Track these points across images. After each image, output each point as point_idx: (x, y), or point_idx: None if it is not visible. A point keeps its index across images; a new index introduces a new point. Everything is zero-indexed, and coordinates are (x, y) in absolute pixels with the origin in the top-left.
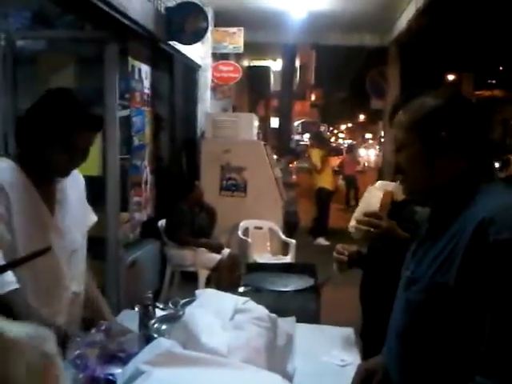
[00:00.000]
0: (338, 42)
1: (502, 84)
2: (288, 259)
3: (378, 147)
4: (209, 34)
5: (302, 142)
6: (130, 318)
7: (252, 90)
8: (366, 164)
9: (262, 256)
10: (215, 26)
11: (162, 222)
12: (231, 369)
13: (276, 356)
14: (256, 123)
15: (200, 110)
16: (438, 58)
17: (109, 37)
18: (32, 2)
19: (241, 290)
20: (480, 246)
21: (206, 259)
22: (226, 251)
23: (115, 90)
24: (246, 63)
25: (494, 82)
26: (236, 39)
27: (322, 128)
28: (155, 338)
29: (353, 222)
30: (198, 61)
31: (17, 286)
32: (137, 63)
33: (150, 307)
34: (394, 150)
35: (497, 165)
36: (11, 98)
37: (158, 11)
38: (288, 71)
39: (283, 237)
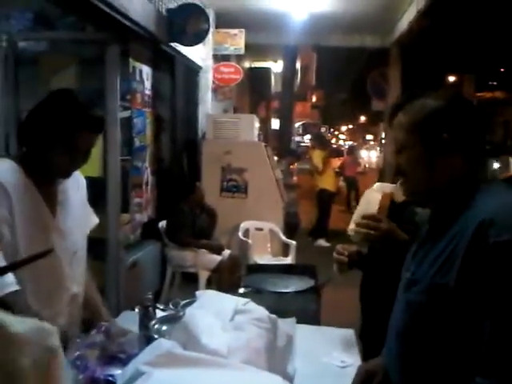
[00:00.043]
0: (339, 43)
1: (503, 85)
2: (288, 260)
3: (378, 148)
4: (210, 36)
5: (302, 144)
6: (130, 319)
7: (253, 91)
8: (367, 165)
9: (263, 257)
10: (216, 28)
11: (162, 223)
12: (231, 370)
13: (276, 357)
14: (257, 124)
15: (201, 112)
16: (439, 60)
17: (110, 38)
18: (34, 3)
19: (241, 291)
20: (480, 247)
21: (206, 260)
22: (227, 252)
23: (116, 92)
24: (247, 65)
25: (495, 83)
26: (237, 41)
27: (323, 129)
28: (155, 339)
29: (352, 225)
30: (199, 62)
31: (17, 287)
32: (138, 64)
33: (151, 308)
34: (395, 151)
35: (497, 165)
36: (13, 99)
37: (159, 12)
38: (289, 72)
39: (284, 238)
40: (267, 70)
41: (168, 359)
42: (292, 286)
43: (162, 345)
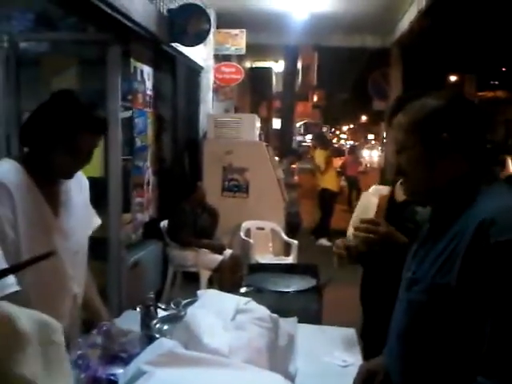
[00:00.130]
0: (340, 43)
1: (504, 85)
2: (290, 260)
3: (380, 148)
4: (211, 36)
5: (304, 143)
6: (131, 319)
7: (254, 91)
8: (368, 165)
9: (264, 257)
10: (217, 28)
11: (164, 223)
12: (233, 369)
13: (277, 356)
14: (258, 124)
15: (202, 111)
16: (441, 60)
17: (111, 39)
18: (35, 4)
19: (243, 290)
20: (481, 247)
21: (208, 260)
22: (228, 252)
23: (117, 92)
24: (248, 64)
25: (496, 83)
26: (238, 41)
27: (324, 129)
28: (157, 339)
29: (350, 229)
30: (200, 62)
31: (17, 288)
32: (139, 65)
33: (152, 308)
34: (395, 151)
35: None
36: (14, 100)
37: (160, 13)
38: (290, 72)
39: (285, 237)
40: (268, 70)
41: (169, 359)
42: (293, 285)
43: (164, 344)
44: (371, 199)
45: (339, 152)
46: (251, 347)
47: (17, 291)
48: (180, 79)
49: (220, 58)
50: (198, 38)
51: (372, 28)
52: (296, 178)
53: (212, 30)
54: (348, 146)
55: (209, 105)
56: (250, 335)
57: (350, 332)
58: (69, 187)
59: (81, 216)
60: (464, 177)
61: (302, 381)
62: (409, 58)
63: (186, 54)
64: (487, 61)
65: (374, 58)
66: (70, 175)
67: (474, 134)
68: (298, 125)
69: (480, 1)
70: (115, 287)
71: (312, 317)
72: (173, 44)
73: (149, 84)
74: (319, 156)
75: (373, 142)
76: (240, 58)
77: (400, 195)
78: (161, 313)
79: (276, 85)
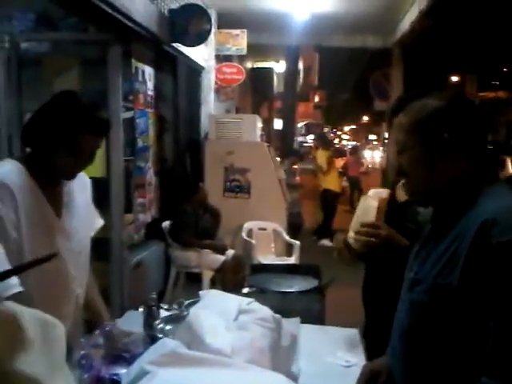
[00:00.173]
0: (341, 43)
1: (506, 85)
2: (292, 260)
3: (381, 148)
4: (212, 36)
5: (305, 144)
6: (134, 319)
7: (255, 91)
8: (370, 165)
9: (266, 257)
10: (218, 28)
11: (166, 224)
12: (235, 369)
13: (280, 357)
14: (259, 125)
15: (203, 112)
16: (442, 60)
17: (112, 39)
18: (36, 4)
19: (245, 290)
20: (483, 247)
21: (210, 260)
22: (230, 252)
23: (119, 92)
24: (249, 65)
25: (497, 83)
26: (239, 41)
27: (326, 129)
28: (160, 339)
29: (351, 233)
30: (201, 63)
31: (20, 288)
32: (140, 65)
33: (155, 308)
34: (396, 151)
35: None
36: (16, 100)
37: (161, 13)
38: (291, 73)
39: (287, 238)
40: (269, 71)
41: (172, 359)
42: (296, 285)
43: (167, 344)
44: (371, 202)
45: (341, 152)
46: (254, 347)
47: (20, 292)
48: (181, 79)
49: (221, 58)
50: (199, 39)
51: (373, 28)
52: (298, 178)
53: (213, 30)
54: (349, 147)
55: (210, 105)
56: (252, 335)
57: (353, 332)
58: (71, 188)
59: (83, 216)
60: (464, 177)
61: (305, 381)
62: (410, 58)
63: (187, 54)
64: (488, 61)
65: (375, 58)
66: (72, 176)
67: (474, 135)
68: (299, 125)
69: (481, 1)
70: (117, 288)
71: (314, 317)
72: (174, 44)
73: (150, 84)
74: (321, 156)
75: (374, 143)
76: (241, 59)
77: (402, 196)
78: (163, 313)
79: (277, 85)
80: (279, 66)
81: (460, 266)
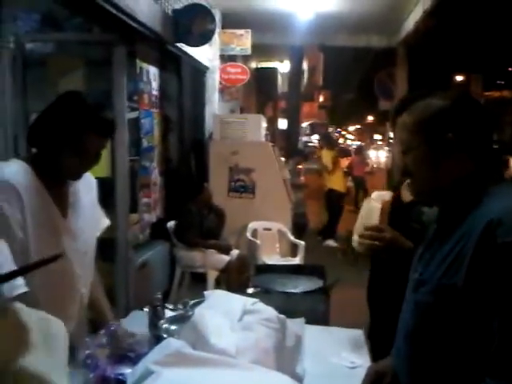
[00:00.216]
0: (345, 43)
1: (511, 85)
2: (297, 261)
3: (386, 148)
4: (216, 36)
5: (310, 144)
6: (139, 319)
7: (260, 91)
8: (375, 165)
9: (271, 257)
10: (223, 28)
11: (171, 224)
12: (240, 369)
13: (285, 357)
14: (264, 124)
15: (208, 112)
16: (446, 59)
17: (117, 39)
18: (41, 4)
19: (250, 291)
20: (488, 247)
21: (215, 260)
22: (235, 252)
23: (123, 92)
24: (253, 65)
25: (503, 82)
26: (243, 41)
27: (330, 129)
28: (165, 339)
29: (355, 237)
30: (205, 63)
31: (25, 289)
32: (145, 65)
33: (160, 308)
34: (401, 151)
35: None
36: (21, 101)
37: (165, 13)
38: (295, 73)
39: (292, 238)
40: (274, 70)
41: (177, 359)
42: (301, 286)
43: (171, 344)
44: (374, 205)
45: (346, 152)
46: (258, 348)
47: (25, 292)
48: (186, 80)
49: (225, 58)
50: (203, 39)
51: (377, 28)
52: (302, 178)
53: (217, 30)
54: (354, 147)
55: (215, 105)
56: (257, 336)
57: (358, 333)
58: (77, 188)
59: (89, 217)
60: (469, 177)
61: (310, 382)
62: (414, 57)
63: (192, 54)
64: (493, 60)
65: (379, 58)
66: (77, 176)
67: (479, 134)
68: (304, 125)
69: (485, 0)
70: (123, 287)
71: (319, 318)
72: (178, 44)
73: (155, 84)
74: (326, 156)
75: (379, 143)
76: (245, 59)
77: (407, 196)
78: (168, 313)
79: (282, 85)
80: (283, 66)
81: (465, 266)
